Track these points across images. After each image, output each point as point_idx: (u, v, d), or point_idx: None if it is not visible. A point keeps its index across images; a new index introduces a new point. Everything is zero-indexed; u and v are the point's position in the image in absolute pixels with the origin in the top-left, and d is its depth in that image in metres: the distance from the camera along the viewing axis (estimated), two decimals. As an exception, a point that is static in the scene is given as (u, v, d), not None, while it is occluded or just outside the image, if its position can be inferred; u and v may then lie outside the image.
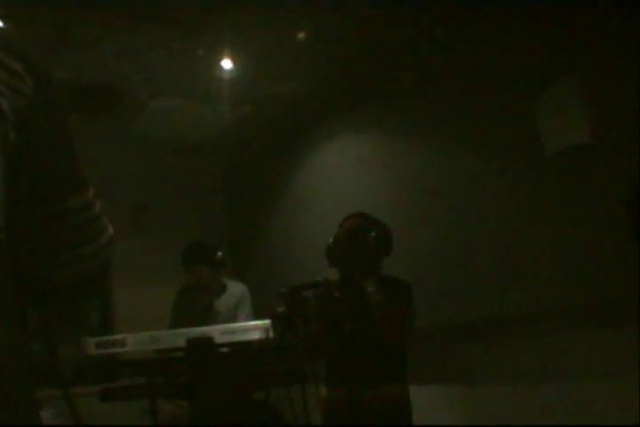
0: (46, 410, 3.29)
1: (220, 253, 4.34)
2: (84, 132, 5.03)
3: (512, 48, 3.52)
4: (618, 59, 3.02)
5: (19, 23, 3.66)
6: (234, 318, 4.15)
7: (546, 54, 3.35)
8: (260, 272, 5.49)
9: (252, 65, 4.42)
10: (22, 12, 3.61)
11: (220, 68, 4.34)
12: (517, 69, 3.48)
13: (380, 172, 4.45)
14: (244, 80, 4.56)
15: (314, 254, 3.16)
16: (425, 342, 3.50)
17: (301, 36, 4.15)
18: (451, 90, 3.92)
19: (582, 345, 3.15)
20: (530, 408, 3.43)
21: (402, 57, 4.25)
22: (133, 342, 3.42)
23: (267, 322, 3.29)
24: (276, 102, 5.00)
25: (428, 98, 4.09)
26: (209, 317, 4.19)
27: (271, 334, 3.15)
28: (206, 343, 3.37)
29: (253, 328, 3.43)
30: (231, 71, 4.38)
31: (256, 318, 4.00)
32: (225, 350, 3.44)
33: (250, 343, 3.44)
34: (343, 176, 4.75)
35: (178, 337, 3.43)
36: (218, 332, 3.46)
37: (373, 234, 2.93)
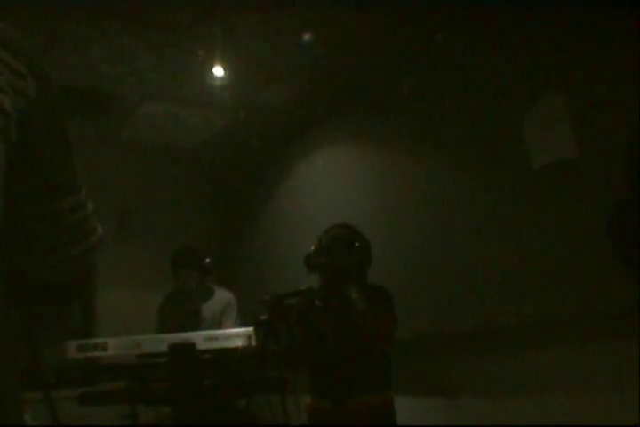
0: (27, 413, 3.26)
1: (208, 259, 4.34)
2: (73, 134, 5.04)
3: (502, 62, 3.55)
4: (606, 75, 3.05)
5: (10, 24, 3.66)
6: (219, 325, 4.14)
7: (535, 69, 3.39)
8: (246, 279, 5.48)
9: (243, 72, 4.43)
10: (14, 14, 3.61)
11: (212, 74, 4.34)
12: (507, 83, 3.51)
13: (369, 180, 4.47)
14: (235, 87, 4.57)
15: (300, 262, 3.16)
16: (407, 352, 3.50)
17: (293, 43, 4.16)
18: (440, 101, 3.94)
19: (567, 357, 3.17)
20: (513, 420, 3.44)
21: (391, 67, 4.27)
22: (115, 346, 3.41)
23: (250, 329, 3.29)
24: (267, 110, 5.01)
25: (416, 108, 4.11)
26: (194, 322, 4.18)
27: (253, 342, 3.15)
28: (188, 349, 3.36)
29: (236, 335, 3.43)
30: (222, 78, 4.38)
31: (242, 325, 4.00)
32: (207, 356, 3.43)
33: (232, 350, 3.43)
34: (331, 184, 4.77)
35: (160, 342, 3.41)
36: (200, 338, 3.45)
37: (357, 244, 2.95)
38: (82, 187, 0.98)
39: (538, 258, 3.28)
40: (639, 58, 2.82)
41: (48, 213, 0.91)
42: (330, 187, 4.77)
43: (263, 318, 2.70)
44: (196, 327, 4.02)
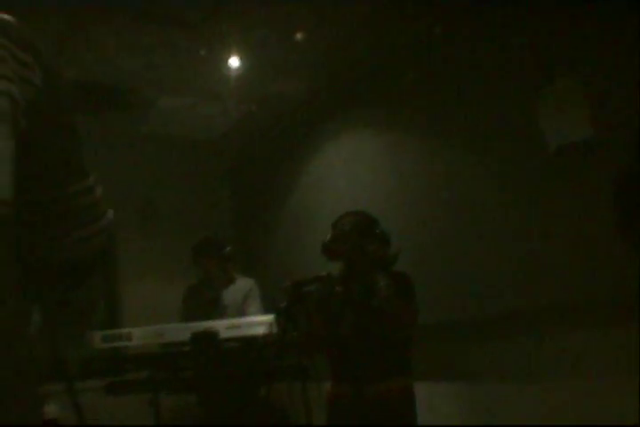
0: (53, 404, 3.34)
1: (228, 248, 4.39)
2: (94, 129, 5.11)
3: (514, 45, 3.53)
4: (620, 55, 3.02)
5: (28, 22, 3.72)
6: (241, 312, 4.18)
7: (548, 51, 3.36)
8: (268, 266, 5.52)
9: (259, 63, 4.45)
10: (31, 12, 3.66)
11: (228, 66, 4.38)
12: (520, 66, 3.49)
13: (386, 168, 4.47)
14: (251, 78, 4.60)
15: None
16: (426, 338, 3.51)
17: (306, 34, 4.18)
18: (453, 88, 3.93)
19: (583, 342, 3.15)
20: (531, 405, 3.45)
21: (403, 55, 4.26)
22: (139, 335, 3.46)
23: (272, 317, 3.31)
24: (283, 100, 5.03)
25: (432, 95, 4.10)
26: (216, 310, 4.23)
27: (275, 329, 3.18)
28: (211, 338, 3.40)
29: (258, 323, 3.46)
30: (238, 69, 4.41)
31: (265, 312, 4.03)
32: (230, 344, 3.48)
33: (255, 338, 3.46)
34: (349, 173, 4.78)
35: (183, 331, 3.47)
36: (223, 326, 3.49)
37: (378, 230, 2.97)
38: (89, 172, 1.02)
39: (554, 243, 3.27)
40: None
41: (58, 198, 0.95)
42: (348, 174, 4.78)
43: (282, 304, 2.73)
44: (218, 315, 4.06)
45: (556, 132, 3.28)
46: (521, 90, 3.48)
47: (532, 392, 3.45)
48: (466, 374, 3.84)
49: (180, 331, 3.49)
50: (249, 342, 3.43)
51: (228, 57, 4.31)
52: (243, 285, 4.42)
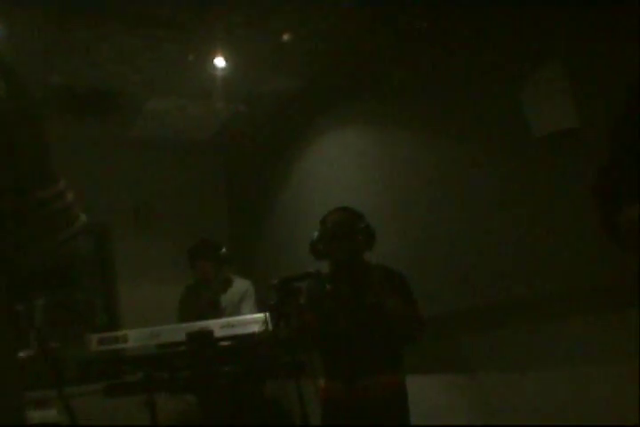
0: (51, 409, 3.36)
1: (224, 250, 4.41)
2: (83, 134, 5.13)
3: (497, 34, 3.53)
4: (603, 42, 3.02)
5: (13, 29, 3.73)
6: (238, 314, 4.19)
7: (532, 39, 3.37)
8: (264, 267, 5.53)
9: (246, 62, 4.46)
10: (15, 18, 3.67)
11: (214, 66, 4.38)
12: (504, 55, 3.49)
13: (377, 164, 4.48)
14: (239, 77, 4.60)
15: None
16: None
17: (293, 31, 4.18)
18: (441, 81, 3.94)
19: (583, 330, 3.15)
20: (529, 396, 3.45)
21: (389, 50, 4.26)
22: (135, 337, 3.47)
23: (266, 314, 3.33)
24: (272, 98, 5.03)
25: (421, 89, 4.10)
26: (214, 312, 4.25)
27: (270, 327, 3.19)
28: (206, 337, 3.41)
29: (252, 321, 3.46)
30: (224, 69, 4.42)
31: (259, 311, 4.04)
32: (225, 343, 3.48)
33: (250, 336, 3.47)
34: (340, 170, 4.78)
35: (179, 332, 3.47)
36: (217, 326, 3.50)
37: (363, 225, 2.98)
38: (59, 178, 1.04)
39: (551, 231, 3.26)
40: (638, 23, 2.79)
41: (27, 204, 0.97)
42: (340, 172, 4.79)
43: (272, 302, 2.74)
44: (216, 317, 4.07)
45: (540, 120, 3.28)
46: (507, 79, 3.49)
47: (529, 382, 3.46)
48: (462, 366, 3.85)
49: (176, 332, 3.49)
50: (244, 340, 3.44)
51: (214, 57, 4.31)
52: (239, 286, 4.44)
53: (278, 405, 3.57)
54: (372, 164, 4.52)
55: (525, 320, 3.47)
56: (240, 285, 4.46)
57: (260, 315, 3.40)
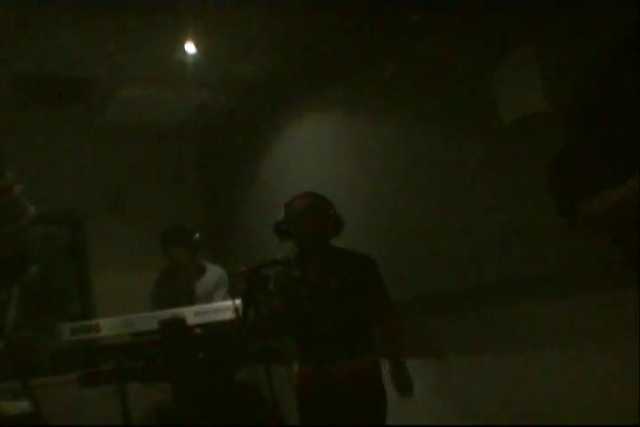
0: (23, 401, 3.34)
1: (197, 235, 4.38)
2: (55, 121, 5.07)
3: (467, 20, 3.52)
4: (573, 27, 3.02)
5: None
6: (212, 301, 4.19)
7: (501, 25, 3.36)
8: (238, 253, 5.52)
9: (216, 48, 4.42)
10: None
11: (184, 52, 4.34)
12: (475, 41, 3.49)
13: (350, 150, 4.47)
14: (209, 63, 4.56)
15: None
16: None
17: (264, 17, 4.14)
18: (413, 67, 3.93)
19: (566, 312, 3.18)
20: (503, 379, 3.49)
21: (360, 36, 4.24)
22: (108, 326, 3.47)
23: (238, 302, 3.33)
24: (243, 84, 4.99)
25: (392, 75, 4.09)
26: (187, 300, 4.24)
27: (240, 314, 3.19)
28: (179, 324, 3.42)
29: (225, 308, 3.48)
30: (195, 55, 4.37)
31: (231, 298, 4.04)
32: (198, 330, 3.50)
33: (222, 323, 3.48)
34: (313, 156, 4.77)
35: (151, 320, 3.48)
36: (190, 313, 3.51)
37: (329, 211, 2.99)
38: (5, 171, 1.04)
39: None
40: (610, 9, 2.79)
41: None
42: (310, 156, 4.77)
43: (242, 289, 2.74)
44: (189, 305, 4.07)
45: (510, 105, 3.29)
46: (477, 64, 3.49)
47: (503, 365, 3.50)
48: (434, 351, 3.88)
49: (149, 320, 3.50)
50: (216, 327, 3.45)
51: (184, 41, 4.26)
52: (213, 274, 4.42)
53: (252, 391, 3.59)
54: (344, 150, 4.51)
55: (496, 304, 3.50)
56: (214, 272, 4.44)
57: (234, 302, 3.41)
